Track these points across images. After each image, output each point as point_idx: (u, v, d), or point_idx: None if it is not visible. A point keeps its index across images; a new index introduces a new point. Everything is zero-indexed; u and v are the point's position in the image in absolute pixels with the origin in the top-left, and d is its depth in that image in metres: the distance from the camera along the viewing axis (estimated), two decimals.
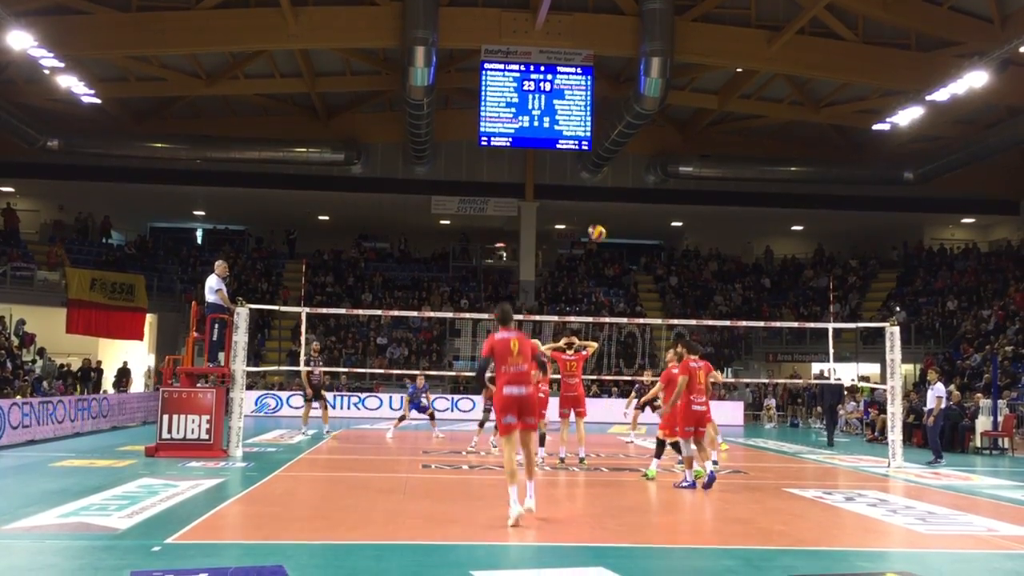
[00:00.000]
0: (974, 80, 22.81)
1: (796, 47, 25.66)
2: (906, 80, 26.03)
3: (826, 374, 24.85)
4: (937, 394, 17.07)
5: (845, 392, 24.12)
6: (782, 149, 33.48)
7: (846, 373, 23.18)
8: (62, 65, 23.40)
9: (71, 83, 24.77)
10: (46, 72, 24.15)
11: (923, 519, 9.67)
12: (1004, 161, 32.06)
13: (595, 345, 15.60)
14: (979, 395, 22.04)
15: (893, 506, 10.65)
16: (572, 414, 14.40)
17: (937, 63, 24.80)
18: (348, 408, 27.99)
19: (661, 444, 12.77)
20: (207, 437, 14.50)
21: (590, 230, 14.92)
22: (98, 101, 27.10)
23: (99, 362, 28.98)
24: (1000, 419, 20.13)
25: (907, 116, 26.19)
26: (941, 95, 24.08)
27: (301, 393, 19.78)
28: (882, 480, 13.56)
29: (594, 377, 26.56)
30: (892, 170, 32.21)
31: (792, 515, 9.98)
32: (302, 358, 17.62)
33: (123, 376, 29.02)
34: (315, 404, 20.06)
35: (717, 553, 7.90)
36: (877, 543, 8.66)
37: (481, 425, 16.72)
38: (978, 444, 20.01)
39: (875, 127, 28.59)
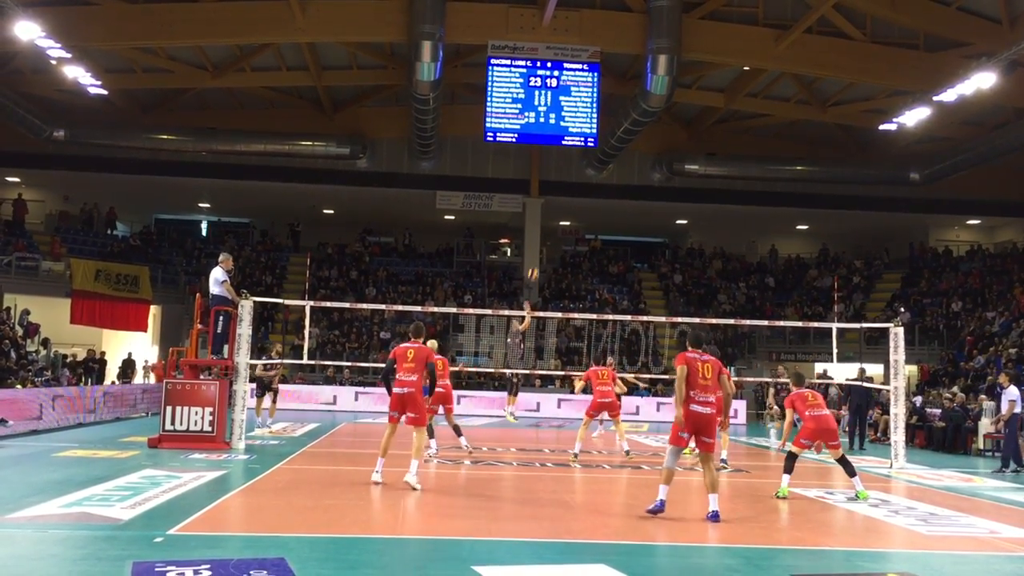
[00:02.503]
0: (982, 81, 22.72)
1: (803, 46, 25.59)
2: (913, 80, 25.97)
3: (828, 374, 24.82)
4: (1010, 398, 16.30)
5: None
6: (788, 148, 33.43)
7: (848, 373, 23.03)
8: (69, 56, 23.41)
9: (78, 74, 24.77)
10: (53, 63, 24.14)
11: (925, 520, 9.67)
12: (1011, 163, 31.93)
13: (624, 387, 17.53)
14: (983, 397, 21.99)
15: (895, 507, 10.64)
16: (605, 415, 15.44)
17: (945, 64, 24.72)
18: (356, 401, 28.03)
19: (792, 458, 11.25)
20: (210, 429, 14.55)
21: (527, 272, 15.03)
22: (104, 92, 27.10)
23: (103, 353, 29.04)
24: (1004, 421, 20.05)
25: (914, 116, 26.13)
26: (948, 96, 24.00)
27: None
28: (884, 481, 13.55)
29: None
30: (898, 170, 32.14)
31: (794, 514, 9.98)
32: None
33: (127, 367, 29.07)
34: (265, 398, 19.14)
35: (719, 551, 7.91)
36: (879, 543, 8.66)
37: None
38: (980, 446, 19.97)
39: (882, 127, 28.51)
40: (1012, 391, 16.47)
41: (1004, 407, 16.49)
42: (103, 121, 30.19)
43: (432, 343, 13.07)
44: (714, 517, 9.02)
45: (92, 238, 33.79)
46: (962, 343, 29.61)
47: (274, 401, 19.17)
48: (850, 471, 11.05)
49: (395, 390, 10.81)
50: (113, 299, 29.73)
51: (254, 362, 17.54)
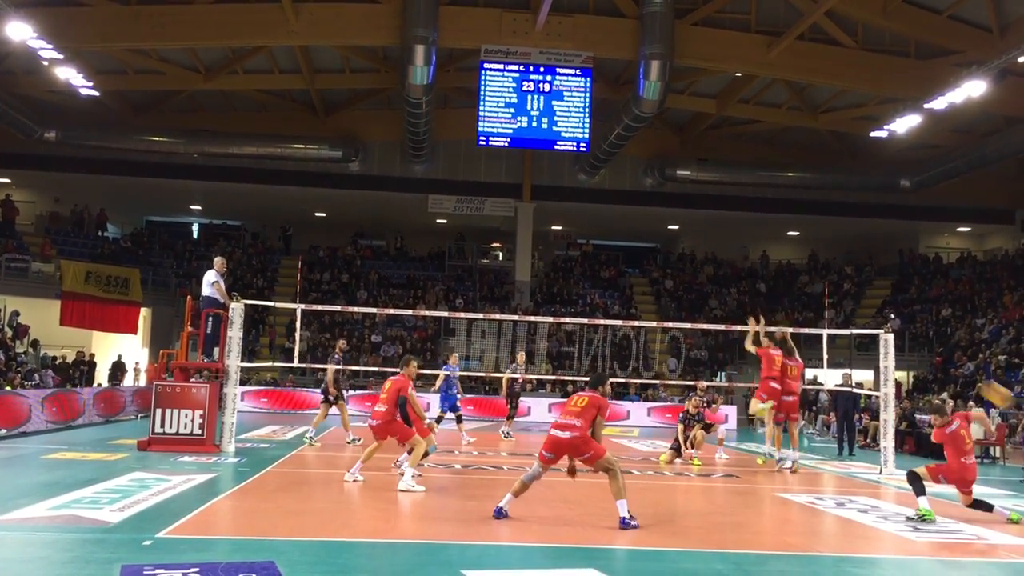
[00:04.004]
0: (972, 89, 22.87)
1: (795, 53, 25.69)
2: (904, 88, 26.09)
3: (819, 380, 24.87)
4: None
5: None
6: (779, 154, 33.55)
7: (837, 380, 23.10)
8: (61, 57, 23.36)
9: (69, 75, 24.73)
10: (44, 63, 24.07)
11: (914, 526, 9.69)
12: (1001, 171, 32.15)
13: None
14: (972, 404, 22.06)
15: (884, 512, 10.67)
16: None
17: (936, 71, 24.84)
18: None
19: (914, 475, 10.41)
20: (200, 432, 14.50)
21: None
22: (96, 93, 27.04)
23: (92, 355, 28.92)
24: (992, 428, 20.15)
25: (905, 124, 26.26)
26: (939, 103, 24.14)
27: (322, 393, 17.79)
28: (874, 487, 13.58)
29: (587, 379, 26.60)
30: (889, 177, 32.27)
31: (783, 520, 10.00)
32: (334, 356, 17.39)
33: (117, 370, 28.96)
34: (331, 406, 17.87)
35: (708, 556, 7.91)
36: (868, 549, 8.68)
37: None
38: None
39: (873, 134, 28.65)
40: None
41: None
42: (95, 122, 30.12)
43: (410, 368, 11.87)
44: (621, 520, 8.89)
45: (83, 240, 33.67)
46: (951, 349, 29.72)
47: (343, 410, 17.56)
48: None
49: (369, 421, 11.58)
50: (103, 301, 29.59)
51: (306, 366, 17.02)
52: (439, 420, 17.98)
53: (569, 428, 9.09)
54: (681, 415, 16.90)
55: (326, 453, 16.12)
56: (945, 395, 15.02)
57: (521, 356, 19.82)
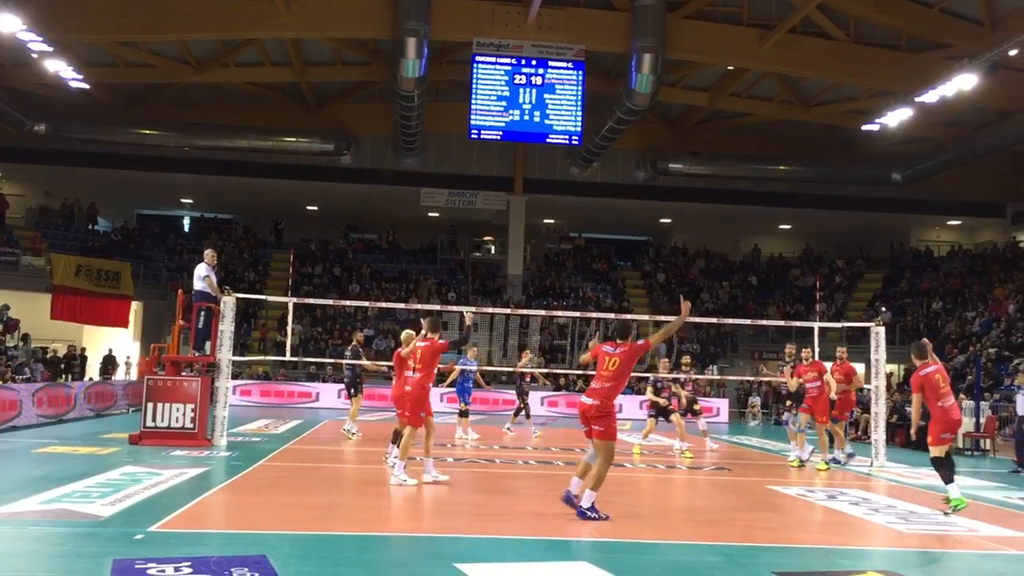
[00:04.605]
0: (963, 83, 22.92)
1: (787, 46, 25.71)
2: (896, 81, 26.14)
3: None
4: None
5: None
6: (771, 148, 33.58)
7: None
8: (51, 49, 23.24)
9: (59, 67, 24.61)
10: (34, 56, 23.95)
11: (904, 518, 9.73)
12: (991, 164, 32.27)
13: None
14: (962, 396, 22.16)
15: (875, 505, 10.71)
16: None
17: (927, 65, 24.90)
18: (339, 398, 27.91)
19: (942, 463, 10.16)
20: (192, 426, 14.45)
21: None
22: (86, 86, 26.92)
23: (83, 349, 28.84)
24: (982, 420, 20.26)
25: (896, 117, 26.30)
26: (930, 97, 24.20)
27: (345, 387, 18.19)
28: (865, 479, 13.63)
29: (580, 372, 26.59)
30: (880, 171, 32.35)
31: (775, 512, 10.03)
32: (348, 351, 17.60)
33: (108, 363, 28.89)
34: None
35: (701, 549, 7.94)
36: (859, 541, 8.72)
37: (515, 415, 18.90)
38: (960, 445, 20.11)
39: (864, 127, 28.69)
40: None
41: (1021, 408, 16.32)
42: (85, 115, 30.00)
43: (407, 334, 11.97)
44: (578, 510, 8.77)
45: (73, 233, 33.55)
46: (942, 342, 29.82)
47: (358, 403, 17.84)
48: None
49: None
50: (94, 295, 29.51)
51: (322, 361, 17.19)
52: (464, 414, 17.95)
53: (595, 394, 8.95)
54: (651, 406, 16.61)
55: (319, 447, 16.11)
56: (807, 350, 14.69)
57: (527, 353, 19.63)
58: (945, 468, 10.01)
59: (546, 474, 12.97)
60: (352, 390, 17.69)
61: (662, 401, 16.43)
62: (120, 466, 11.41)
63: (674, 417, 16.36)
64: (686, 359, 17.81)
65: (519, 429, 19.76)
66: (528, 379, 19.72)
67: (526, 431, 19.17)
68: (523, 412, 19.40)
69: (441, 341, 10.92)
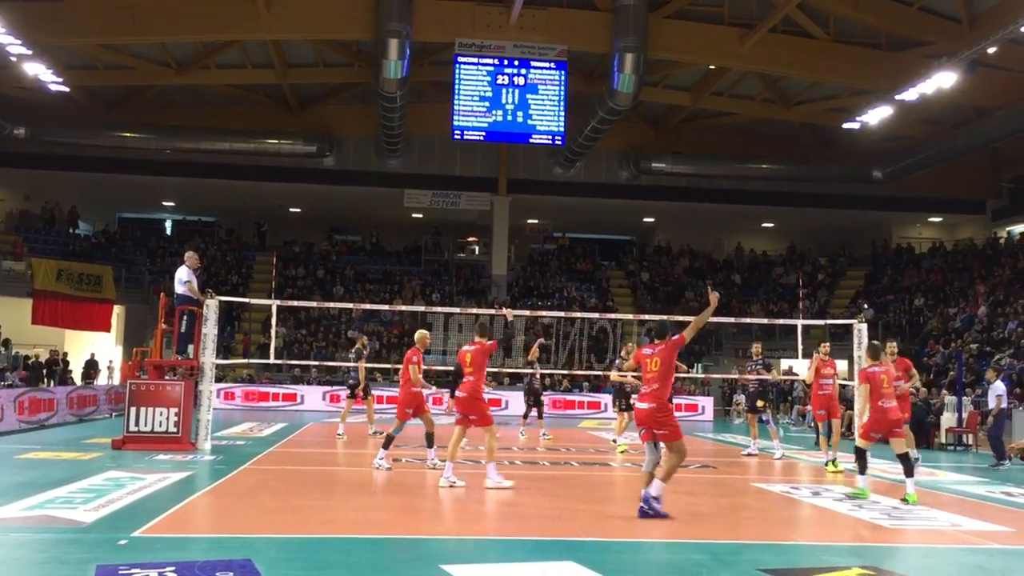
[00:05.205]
0: (943, 80, 23.11)
1: (768, 45, 25.83)
2: (876, 79, 26.30)
3: (794, 370, 25.08)
4: (996, 392, 16.47)
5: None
6: (753, 146, 33.72)
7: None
8: (30, 52, 23.08)
9: (39, 71, 24.43)
10: (13, 59, 23.78)
11: (888, 514, 9.78)
12: (971, 161, 32.50)
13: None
14: (945, 392, 22.32)
15: (859, 501, 10.76)
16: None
17: (907, 63, 25.06)
18: (324, 401, 27.87)
19: (860, 452, 10.97)
20: (175, 430, 14.39)
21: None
22: (66, 89, 26.74)
23: (65, 354, 28.63)
24: (964, 416, 20.40)
25: (877, 115, 26.48)
26: (910, 95, 24.38)
27: (348, 390, 18.12)
28: (849, 475, 13.66)
29: (565, 372, 26.62)
30: (861, 168, 32.53)
31: (760, 510, 10.06)
32: (352, 352, 17.71)
33: (90, 368, 28.69)
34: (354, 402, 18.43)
35: (686, 547, 7.95)
36: (843, 537, 8.76)
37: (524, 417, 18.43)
38: (943, 440, 20.27)
39: (845, 126, 28.86)
40: (998, 386, 16.67)
41: (992, 402, 16.61)
42: (65, 119, 29.78)
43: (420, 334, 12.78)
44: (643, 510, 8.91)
45: (54, 237, 33.31)
46: (924, 339, 30.02)
47: (370, 405, 18.17)
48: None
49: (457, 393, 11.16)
50: (76, 299, 29.30)
51: (336, 364, 17.26)
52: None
53: (648, 398, 9.06)
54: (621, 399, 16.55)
55: (303, 450, 16.06)
56: (894, 345, 14.60)
57: (534, 351, 19.17)
58: (862, 460, 10.80)
59: (532, 474, 12.96)
60: (362, 392, 17.75)
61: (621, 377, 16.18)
62: (103, 471, 11.33)
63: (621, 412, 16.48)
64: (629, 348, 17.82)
65: (530, 430, 19.31)
66: (538, 376, 19.37)
67: (535, 432, 18.82)
68: (536, 412, 18.99)
69: (490, 342, 11.21)
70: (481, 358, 10.98)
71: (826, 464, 14.30)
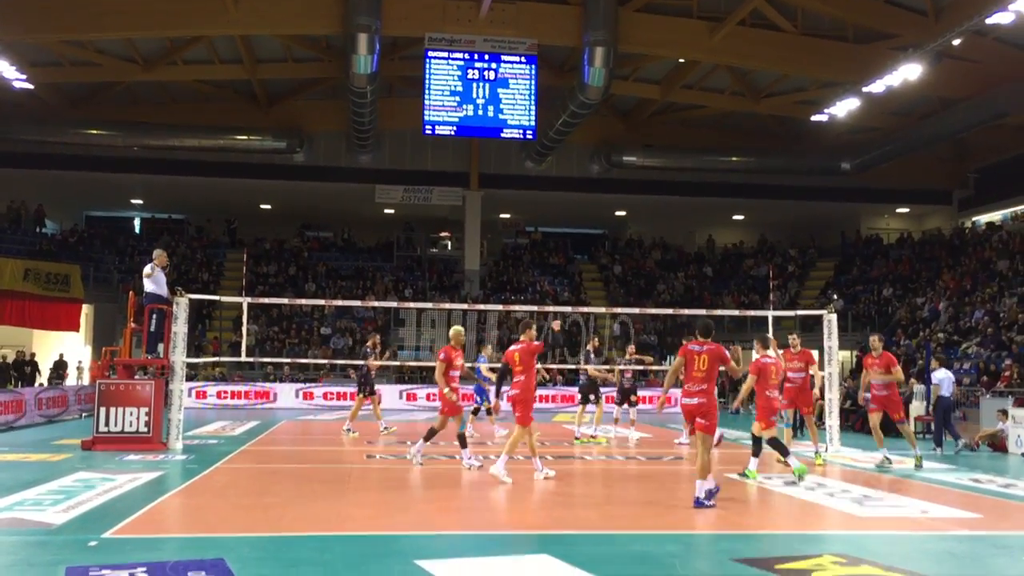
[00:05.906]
0: (909, 72, 23.38)
1: (737, 38, 25.99)
2: (843, 72, 26.53)
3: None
4: (935, 381, 16.84)
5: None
6: (723, 139, 33.92)
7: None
8: None
9: (2, 67, 24.11)
10: None
11: (859, 502, 9.90)
12: (937, 152, 32.91)
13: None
14: (913, 380, 22.53)
15: (830, 489, 10.87)
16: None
17: (873, 55, 25.29)
18: (297, 398, 27.66)
19: (758, 441, 11.84)
20: (146, 430, 14.26)
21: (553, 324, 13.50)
22: (30, 86, 26.43)
23: (33, 354, 28.29)
24: (932, 404, 20.59)
25: (844, 107, 26.73)
26: (877, 87, 24.64)
27: (358, 388, 18.24)
28: (821, 465, 13.81)
29: (538, 365, 26.57)
30: (830, 160, 32.84)
31: (733, 500, 10.13)
32: (368, 348, 17.68)
33: (59, 368, 28.37)
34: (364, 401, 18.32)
35: (660, 538, 7.99)
36: (815, 526, 8.86)
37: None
38: (912, 428, 20.46)
39: (813, 118, 29.10)
40: (937, 374, 17.00)
41: (934, 391, 16.97)
42: (30, 116, 29.43)
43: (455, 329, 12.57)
44: (697, 503, 9.28)
45: (20, 236, 32.85)
46: (893, 328, 30.32)
47: (376, 404, 18.18)
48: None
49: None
50: (43, 299, 28.93)
51: (376, 363, 17.32)
52: (476, 412, 17.74)
53: (697, 395, 9.63)
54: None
55: (276, 448, 15.97)
56: (793, 337, 14.60)
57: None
58: (775, 446, 11.58)
59: (511, 468, 12.94)
60: (367, 389, 17.76)
61: (599, 375, 16.64)
62: (73, 472, 11.22)
63: (595, 405, 16.66)
64: (631, 349, 18.04)
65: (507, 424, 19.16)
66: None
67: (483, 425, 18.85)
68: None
69: (536, 342, 11.46)
70: (529, 358, 11.29)
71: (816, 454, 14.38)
